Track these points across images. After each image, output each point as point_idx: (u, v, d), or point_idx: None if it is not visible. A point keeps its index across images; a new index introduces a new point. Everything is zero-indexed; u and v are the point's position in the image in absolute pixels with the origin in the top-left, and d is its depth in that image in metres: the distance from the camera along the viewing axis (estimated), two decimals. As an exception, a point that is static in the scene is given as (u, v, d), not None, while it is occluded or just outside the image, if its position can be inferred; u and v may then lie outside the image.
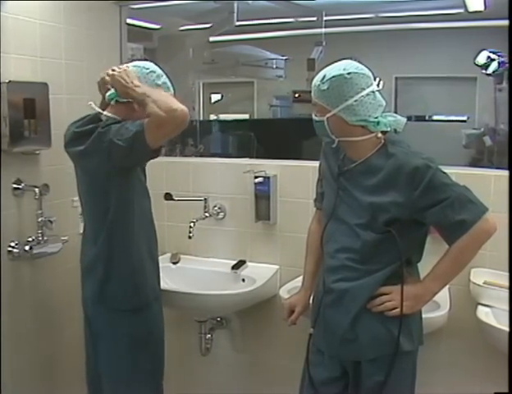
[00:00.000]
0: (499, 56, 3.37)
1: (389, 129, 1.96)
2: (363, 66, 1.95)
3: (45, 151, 2.76)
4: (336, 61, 1.98)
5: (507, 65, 3.34)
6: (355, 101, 1.89)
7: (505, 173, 2.51)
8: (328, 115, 1.94)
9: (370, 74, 1.95)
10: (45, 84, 2.71)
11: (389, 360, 1.97)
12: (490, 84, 3.58)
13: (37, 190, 2.66)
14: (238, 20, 3.92)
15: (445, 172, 1.92)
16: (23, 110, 2.59)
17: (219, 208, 3.12)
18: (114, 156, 2.10)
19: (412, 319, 2.02)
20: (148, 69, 2.26)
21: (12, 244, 2.65)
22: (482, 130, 3.71)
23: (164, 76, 2.30)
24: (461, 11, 3.79)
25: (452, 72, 4.06)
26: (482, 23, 3.80)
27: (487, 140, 3.51)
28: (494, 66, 3.39)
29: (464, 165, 3.07)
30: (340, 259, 2.02)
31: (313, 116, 2.00)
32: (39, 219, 2.69)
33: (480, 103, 4.03)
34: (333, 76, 1.90)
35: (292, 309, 2.28)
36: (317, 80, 1.95)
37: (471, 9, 3.75)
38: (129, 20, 3.39)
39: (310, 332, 2.18)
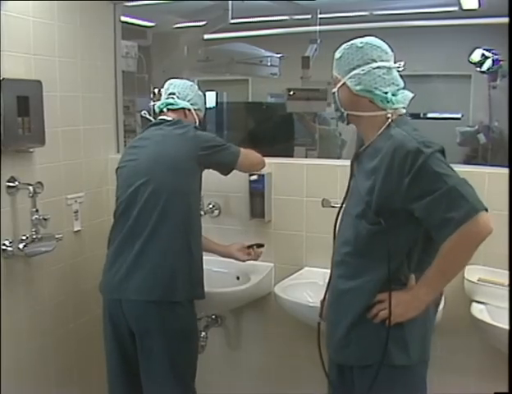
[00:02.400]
0: (493, 53, 3.38)
1: (400, 106, 1.88)
2: (382, 43, 1.92)
3: (39, 149, 2.75)
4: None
5: (501, 62, 3.34)
6: (362, 70, 1.86)
7: (499, 170, 2.53)
8: (338, 85, 1.93)
9: (388, 50, 1.92)
10: (39, 82, 2.70)
11: (379, 370, 1.87)
12: (484, 82, 3.58)
13: (31, 187, 2.65)
14: (232, 18, 3.91)
15: (443, 160, 1.77)
16: (16, 108, 2.57)
17: (214, 205, 3.12)
18: (207, 160, 2.55)
19: (409, 331, 1.88)
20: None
21: (6, 242, 2.63)
22: (477, 127, 3.71)
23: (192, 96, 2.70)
24: (455, 8, 3.80)
25: (446, 70, 4.07)
26: (477, 21, 3.81)
27: (482, 138, 3.52)
28: (488, 63, 3.39)
29: (459, 162, 3.07)
30: (341, 254, 1.97)
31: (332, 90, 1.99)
32: (33, 217, 2.67)
33: (474, 100, 4.04)
34: (346, 45, 1.92)
35: None
36: (335, 54, 1.96)
37: (465, 7, 3.76)
38: (123, 18, 3.38)
39: (318, 320, 2.15)
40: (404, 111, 1.91)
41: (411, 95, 1.91)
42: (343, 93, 1.93)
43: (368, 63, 1.87)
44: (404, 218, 1.82)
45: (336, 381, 2.09)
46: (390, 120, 1.87)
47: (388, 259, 1.83)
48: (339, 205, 2.71)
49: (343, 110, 1.95)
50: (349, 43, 1.93)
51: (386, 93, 1.87)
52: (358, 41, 1.90)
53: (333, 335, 2.02)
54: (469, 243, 1.75)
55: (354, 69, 1.88)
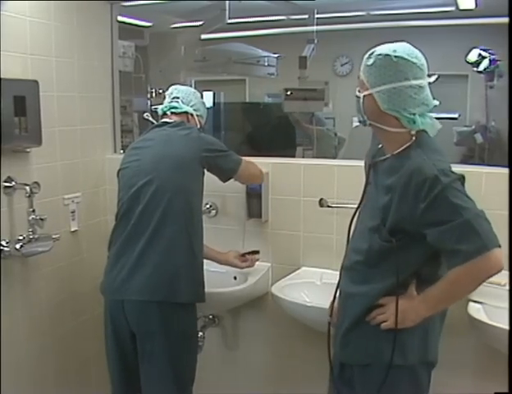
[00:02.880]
0: (490, 53, 3.39)
1: (424, 128, 1.83)
2: (418, 55, 1.81)
3: (36, 149, 2.74)
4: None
5: (498, 62, 3.35)
6: (394, 88, 1.77)
7: (496, 170, 2.53)
8: (365, 93, 1.84)
9: (424, 66, 1.81)
10: (35, 82, 2.69)
11: (378, 370, 1.91)
12: (481, 82, 3.59)
13: (28, 188, 2.64)
14: (230, 18, 3.92)
15: (461, 190, 1.74)
16: (13, 108, 2.57)
17: (211, 205, 3.11)
18: (209, 162, 2.55)
19: (407, 334, 1.89)
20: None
21: (3, 242, 2.62)
22: (474, 127, 3.72)
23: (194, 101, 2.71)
24: (452, 9, 3.81)
25: (443, 70, 4.07)
26: (473, 21, 3.82)
27: (478, 137, 3.53)
28: (485, 63, 3.40)
29: (456, 162, 3.07)
30: (351, 261, 1.99)
31: (356, 92, 1.89)
32: (30, 217, 2.67)
33: (471, 100, 4.05)
34: (380, 54, 1.79)
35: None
36: (367, 54, 1.84)
37: (462, 7, 3.77)
38: (120, 18, 3.37)
39: (328, 320, 2.15)
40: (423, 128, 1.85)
41: (439, 126, 1.85)
42: (368, 103, 1.84)
43: (400, 81, 1.77)
44: (417, 239, 1.81)
45: (338, 378, 2.11)
46: (413, 138, 1.82)
47: (397, 274, 1.84)
48: (336, 205, 2.74)
49: (365, 118, 1.89)
50: (383, 50, 1.80)
51: (413, 114, 1.80)
52: (393, 52, 1.78)
53: (337, 334, 2.05)
54: (475, 278, 1.76)
55: (384, 84, 1.78)
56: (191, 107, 2.67)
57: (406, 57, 1.78)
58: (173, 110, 2.65)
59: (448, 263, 1.77)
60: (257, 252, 2.93)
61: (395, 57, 1.77)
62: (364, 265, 1.94)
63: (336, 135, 4.10)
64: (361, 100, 1.86)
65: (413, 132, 1.82)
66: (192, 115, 2.67)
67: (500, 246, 1.71)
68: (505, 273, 2.42)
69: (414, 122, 1.80)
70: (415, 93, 1.78)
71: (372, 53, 1.83)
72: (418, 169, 1.74)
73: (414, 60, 1.78)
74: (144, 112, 2.91)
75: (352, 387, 2.05)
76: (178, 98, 2.66)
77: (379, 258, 1.89)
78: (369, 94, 1.83)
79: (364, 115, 1.88)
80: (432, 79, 1.82)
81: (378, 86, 1.80)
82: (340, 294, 2.07)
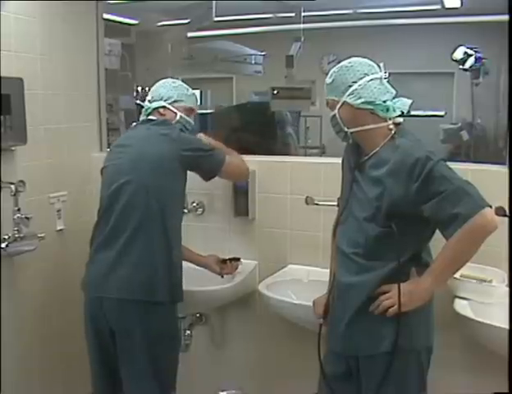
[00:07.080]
0: (476, 51, 3.40)
1: (399, 114, 1.99)
2: (366, 59, 2.05)
3: (21, 147, 2.73)
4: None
5: (484, 60, 3.37)
6: (359, 85, 1.98)
7: (482, 167, 2.55)
8: (338, 106, 2.02)
9: (374, 64, 2.04)
10: (20, 80, 2.68)
11: (386, 358, 1.98)
12: (467, 80, 3.61)
13: (13, 186, 2.63)
14: (216, 16, 3.91)
15: (448, 166, 1.93)
16: (-2, 106, 2.56)
17: (198, 204, 3.11)
18: (189, 162, 2.51)
19: (412, 317, 1.99)
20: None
21: (-12, 242, 2.61)
22: (460, 124, 3.73)
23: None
24: (438, 7, 3.82)
25: (429, 68, 4.09)
26: (459, 19, 3.84)
27: (464, 135, 3.54)
28: (471, 61, 3.41)
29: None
30: (348, 254, 2.05)
31: (330, 115, 2.07)
32: (16, 216, 2.66)
33: (457, 98, 4.06)
34: (336, 67, 2.04)
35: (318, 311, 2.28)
36: (326, 80, 2.06)
37: (447, 5, 3.79)
38: (106, 15, 3.36)
39: (320, 322, 2.21)
40: (401, 120, 2.01)
41: (409, 102, 2.02)
42: (344, 111, 2.03)
43: (362, 78, 1.99)
44: (413, 221, 1.96)
45: (331, 374, 2.16)
46: (393, 131, 2.01)
47: (398, 259, 1.95)
48: (323, 203, 2.76)
49: (346, 129, 2.04)
50: (337, 66, 2.04)
51: (385, 102, 1.99)
52: (345, 62, 2.04)
53: (338, 327, 2.09)
54: (475, 237, 1.89)
55: (350, 86, 1.99)
56: (160, 99, 2.60)
57: (357, 60, 2.04)
58: (148, 111, 2.62)
59: (448, 230, 1.89)
60: (238, 259, 2.91)
61: (349, 63, 2.03)
62: (362, 255, 2.02)
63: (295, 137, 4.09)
64: (337, 116, 2.04)
65: (391, 126, 1.99)
66: (164, 107, 2.60)
67: (491, 207, 1.88)
68: (491, 270, 2.46)
69: (388, 109, 1.99)
70: (378, 84, 2.00)
71: (329, 75, 2.06)
72: (409, 153, 1.92)
73: (365, 61, 2.05)
74: (130, 110, 2.88)
75: (350, 380, 2.12)
76: (149, 100, 2.63)
77: (378, 246, 1.99)
78: (342, 105, 2.02)
79: (344, 126, 2.03)
80: (386, 74, 2.03)
81: (346, 91, 2.00)
82: (333, 288, 2.14)
